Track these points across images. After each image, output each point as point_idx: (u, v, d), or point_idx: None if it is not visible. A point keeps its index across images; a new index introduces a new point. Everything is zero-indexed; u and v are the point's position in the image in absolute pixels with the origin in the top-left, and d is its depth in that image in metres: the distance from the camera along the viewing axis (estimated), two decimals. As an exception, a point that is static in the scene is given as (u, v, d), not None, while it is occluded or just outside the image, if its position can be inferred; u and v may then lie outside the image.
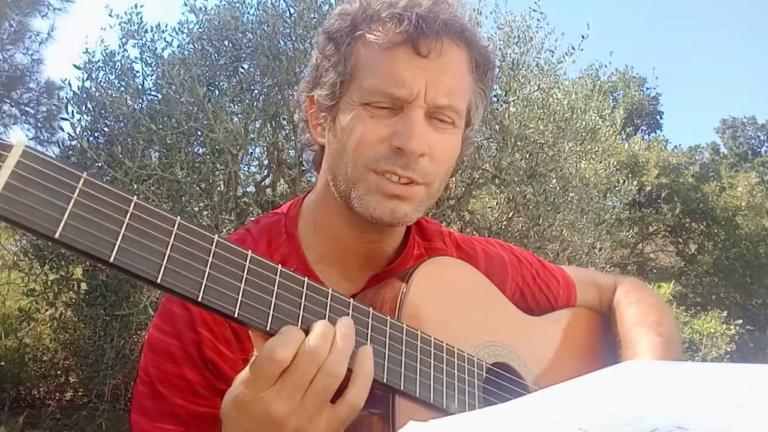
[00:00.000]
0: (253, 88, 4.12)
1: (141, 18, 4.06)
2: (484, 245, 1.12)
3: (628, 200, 5.58)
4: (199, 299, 0.63)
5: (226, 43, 4.07)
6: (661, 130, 19.53)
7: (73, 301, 4.34)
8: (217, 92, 4.01)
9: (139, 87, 4.01)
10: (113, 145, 3.72)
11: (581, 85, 4.83)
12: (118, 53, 4.12)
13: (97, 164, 3.47)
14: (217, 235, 0.67)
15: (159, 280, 0.61)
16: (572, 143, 4.32)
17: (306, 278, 0.73)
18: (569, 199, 4.50)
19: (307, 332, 0.69)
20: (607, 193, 5.26)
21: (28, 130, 6.08)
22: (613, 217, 5.05)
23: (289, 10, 3.82)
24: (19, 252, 4.69)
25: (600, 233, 4.78)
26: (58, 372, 5.27)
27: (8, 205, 0.54)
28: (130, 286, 3.97)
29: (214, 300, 0.64)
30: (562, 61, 4.45)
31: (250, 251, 0.69)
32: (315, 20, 3.68)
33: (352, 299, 0.78)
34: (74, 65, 3.96)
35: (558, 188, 4.40)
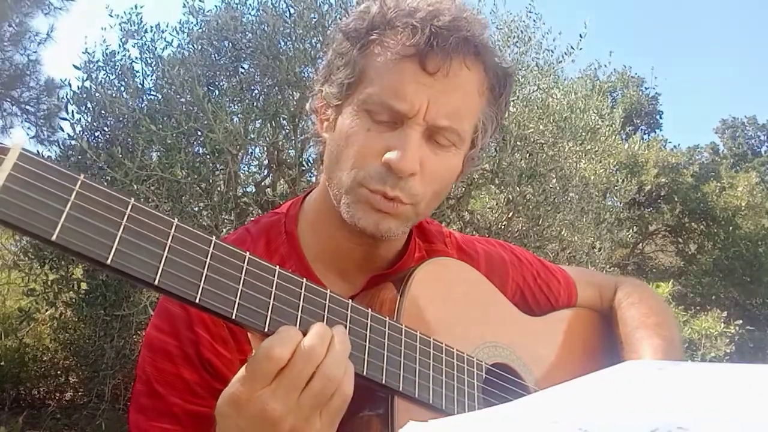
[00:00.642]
0: (253, 88, 4.12)
1: (141, 18, 4.07)
2: (485, 246, 1.12)
3: (627, 200, 5.58)
4: (197, 301, 0.63)
5: (226, 43, 4.07)
6: (661, 130, 19.54)
7: (73, 301, 4.34)
8: (217, 92, 4.01)
9: (139, 87, 4.01)
10: (113, 145, 3.72)
11: (580, 84, 4.83)
12: (118, 53, 4.13)
13: (97, 164, 3.47)
14: (215, 237, 0.67)
15: (156, 283, 0.61)
16: (572, 143, 4.32)
17: (304, 279, 0.73)
18: (569, 199, 4.50)
19: (305, 334, 0.69)
20: (607, 193, 5.26)
21: (29, 128, 6.08)
22: (613, 216, 5.05)
23: (289, 10, 3.82)
24: (19, 252, 4.69)
25: (600, 233, 4.78)
26: (58, 372, 5.27)
27: (5, 208, 0.54)
28: (130, 286, 3.97)
29: (211, 302, 0.64)
30: (561, 61, 4.45)
31: (247, 253, 0.69)
32: (315, 20, 3.67)
33: (350, 300, 0.77)
34: (74, 65, 3.96)
35: (558, 188, 4.40)
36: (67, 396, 5.24)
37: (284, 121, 3.89)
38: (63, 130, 4.74)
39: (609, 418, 0.50)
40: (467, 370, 0.87)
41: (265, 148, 4.12)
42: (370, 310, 0.79)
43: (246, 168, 4.54)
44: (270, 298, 0.69)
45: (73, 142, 4.09)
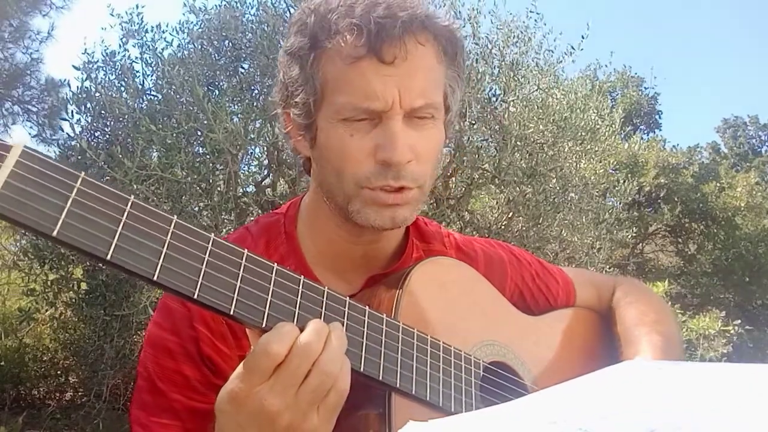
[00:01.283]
0: (253, 88, 4.12)
1: (141, 18, 4.07)
2: (483, 246, 1.13)
3: (627, 200, 5.57)
4: (195, 296, 0.64)
5: (226, 43, 4.07)
6: (660, 130, 19.52)
7: (73, 301, 4.35)
8: (217, 92, 4.02)
9: (139, 87, 4.02)
10: (113, 145, 3.72)
11: (580, 84, 4.83)
12: (119, 53, 4.13)
13: (96, 164, 3.47)
14: (214, 234, 0.68)
15: (155, 278, 0.62)
16: (572, 143, 4.32)
17: (302, 277, 0.74)
18: (569, 198, 4.49)
19: (302, 330, 0.69)
20: (607, 193, 5.25)
21: (31, 127, 6.07)
22: (613, 217, 5.04)
23: (289, 10, 3.82)
24: (19, 252, 4.69)
25: (599, 233, 4.78)
26: (58, 372, 5.28)
27: (8, 203, 0.55)
28: (130, 286, 3.97)
29: (209, 297, 0.65)
30: (561, 61, 4.45)
31: (246, 250, 0.70)
32: (315, 20, 3.67)
33: (348, 298, 0.78)
34: (73, 66, 3.96)
35: (558, 188, 4.40)
36: (67, 396, 5.24)
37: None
38: (63, 130, 4.75)
39: (608, 418, 0.50)
40: (465, 367, 0.88)
41: (265, 148, 4.12)
42: (367, 307, 0.79)
43: (246, 168, 4.55)
44: (268, 295, 0.70)
45: (73, 142, 4.09)
